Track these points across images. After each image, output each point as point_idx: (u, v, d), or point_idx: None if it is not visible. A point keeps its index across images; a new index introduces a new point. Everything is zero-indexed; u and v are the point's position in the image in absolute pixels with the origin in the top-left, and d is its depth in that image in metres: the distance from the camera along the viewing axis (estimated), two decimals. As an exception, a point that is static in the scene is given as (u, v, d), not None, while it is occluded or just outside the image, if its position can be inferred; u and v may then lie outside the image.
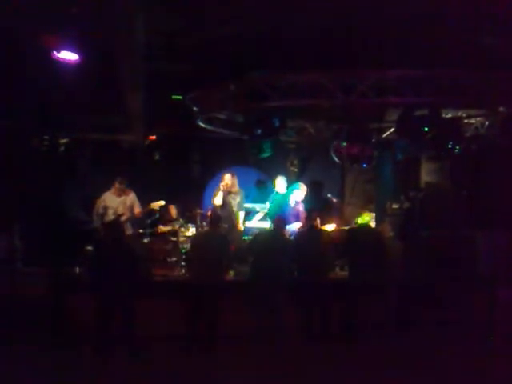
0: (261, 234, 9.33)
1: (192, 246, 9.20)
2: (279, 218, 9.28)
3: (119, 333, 7.94)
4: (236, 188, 10.98)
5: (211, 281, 8.35)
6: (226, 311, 8.54)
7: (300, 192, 10.95)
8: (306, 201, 11.12)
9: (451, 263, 10.00)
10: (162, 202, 10.80)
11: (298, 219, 10.70)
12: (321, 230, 9.70)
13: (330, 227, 10.72)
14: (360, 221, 9.49)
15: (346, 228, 10.90)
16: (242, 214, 11.05)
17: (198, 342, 8.25)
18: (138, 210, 10.47)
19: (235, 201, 10.95)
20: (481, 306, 9.17)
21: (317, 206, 11.15)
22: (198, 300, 8.34)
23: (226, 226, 10.87)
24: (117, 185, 10.40)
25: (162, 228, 11.16)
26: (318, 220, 9.67)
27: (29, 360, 7.67)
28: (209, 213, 10.30)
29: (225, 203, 10.91)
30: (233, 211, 10.92)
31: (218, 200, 10.89)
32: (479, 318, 9.01)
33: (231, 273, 10.49)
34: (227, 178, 10.91)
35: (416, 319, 8.81)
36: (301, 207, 10.91)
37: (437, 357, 7.97)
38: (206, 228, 10.50)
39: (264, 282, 8.54)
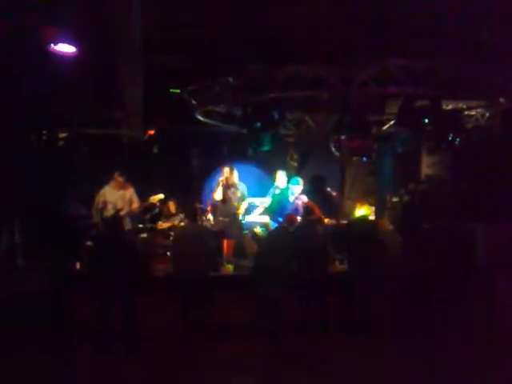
0: (273, 232, 9.41)
1: (173, 241, 9.15)
2: (292, 216, 9.26)
3: (119, 328, 7.91)
4: (235, 182, 10.98)
5: (194, 275, 8.30)
6: (226, 305, 8.54)
7: (299, 187, 10.94)
8: (306, 194, 11.08)
9: (451, 255, 9.97)
10: (161, 196, 10.78)
11: (297, 213, 10.67)
12: (319, 222, 9.66)
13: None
14: (359, 214, 9.45)
15: (345, 222, 10.87)
16: (243, 206, 11.02)
17: (196, 336, 8.21)
18: (135, 205, 10.45)
19: (235, 195, 10.98)
20: (480, 297, 9.18)
21: (318, 200, 11.11)
22: (189, 294, 8.30)
23: (226, 219, 10.90)
24: (117, 177, 10.36)
25: (162, 224, 11.12)
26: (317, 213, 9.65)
27: (29, 355, 7.64)
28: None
29: (225, 198, 10.91)
30: (233, 205, 10.93)
31: (218, 195, 10.97)
32: (479, 309, 9.00)
33: (229, 267, 10.47)
34: (226, 172, 10.93)
35: (416, 311, 8.77)
36: (302, 201, 10.90)
37: (436, 348, 7.94)
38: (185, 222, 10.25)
39: (267, 277, 8.49)
